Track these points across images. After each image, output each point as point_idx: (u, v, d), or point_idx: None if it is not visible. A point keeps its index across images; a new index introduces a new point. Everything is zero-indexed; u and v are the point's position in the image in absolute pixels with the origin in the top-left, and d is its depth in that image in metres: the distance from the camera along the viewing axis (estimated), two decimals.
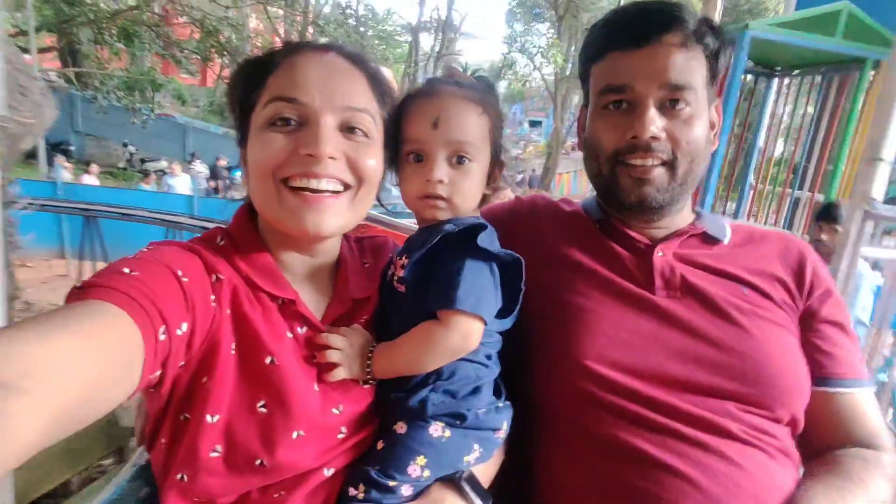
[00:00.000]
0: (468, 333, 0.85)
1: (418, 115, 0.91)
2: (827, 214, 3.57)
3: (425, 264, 0.89)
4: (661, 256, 1.01)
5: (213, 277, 0.80)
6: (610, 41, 0.99)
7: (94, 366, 0.58)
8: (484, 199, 0.99)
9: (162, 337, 0.67)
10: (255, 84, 0.85)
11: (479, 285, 0.85)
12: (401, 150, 0.93)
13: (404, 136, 0.92)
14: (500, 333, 0.95)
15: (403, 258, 0.91)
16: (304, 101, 0.81)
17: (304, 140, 0.80)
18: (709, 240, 1.06)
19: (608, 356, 0.93)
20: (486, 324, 0.86)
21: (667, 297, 0.98)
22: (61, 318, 0.59)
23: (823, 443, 0.97)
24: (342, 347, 0.86)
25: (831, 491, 0.87)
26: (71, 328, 0.58)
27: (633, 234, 1.05)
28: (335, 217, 0.83)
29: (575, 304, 0.99)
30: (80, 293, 0.65)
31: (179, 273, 0.74)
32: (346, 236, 1.01)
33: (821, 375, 0.97)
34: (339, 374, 0.85)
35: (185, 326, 0.72)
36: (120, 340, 0.62)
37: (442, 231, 0.87)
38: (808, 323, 1.00)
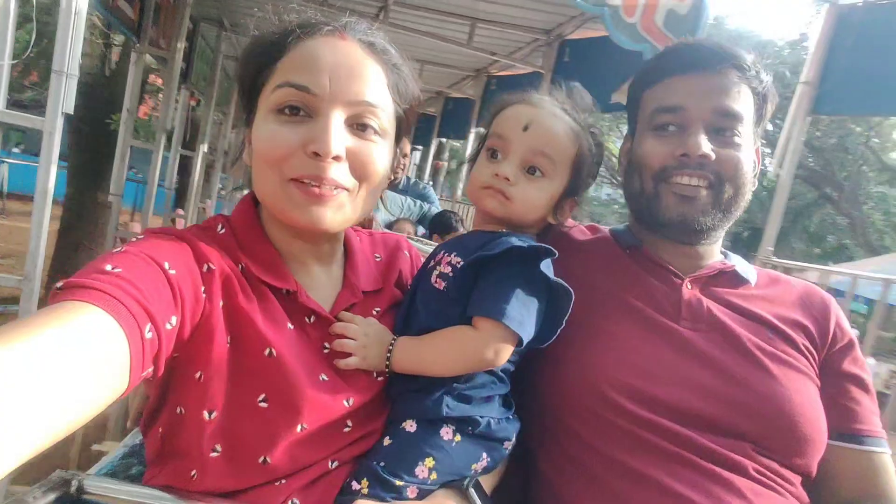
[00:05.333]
0: (502, 349, 0.84)
1: (512, 116, 0.93)
2: (441, 224, 3.30)
3: (476, 270, 0.87)
4: (690, 289, 1.01)
5: (204, 267, 0.77)
6: (668, 67, 1.02)
7: (70, 374, 0.56)
8: (547, 228, 0.99)
9: (149, 335, 0.65)
10: (265, 64, 0.81)
11: (528, 308, 0.84)
12: (484, 144, 0.96)
13: (492, 132, 0.95)
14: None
15: (453, 255, 0.90)
16: (315, 92, 0.77)
17: (312, 136, 0.76)
18: (737, 279, 1.05)
19: (628, 384, 0.92)
20: (520, 346, 0.85)
21: (692, 329, 0.96)
22: (35, 326, 0.56)
23: (838, 496, 0.96)
24: (357, 336, 0.85)
25: None
26: (44, 335, 0.55)
27: (664, 263, 1.04)
28: (337, 212, 0.80)
29: (597, 329, 0.98)
30: (61, 294, 0.62)
31: (166, 265, 0.71)
32: (356, 229, 0.99)
33: (841, 430, 0.96)
34: (352, 362, 0.83)
35: (174, 320, 0.70)
36: (101, 343, 0.60)
37: (508, 244, 0.86)
38: (830, 375, 0.99)
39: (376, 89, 0.81)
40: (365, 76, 0.80)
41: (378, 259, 0.99)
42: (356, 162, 0.79)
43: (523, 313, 0.83)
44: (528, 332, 0.84)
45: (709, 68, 0.98)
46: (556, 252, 0.88)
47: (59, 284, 0.64)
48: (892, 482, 0.96)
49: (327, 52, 0.79)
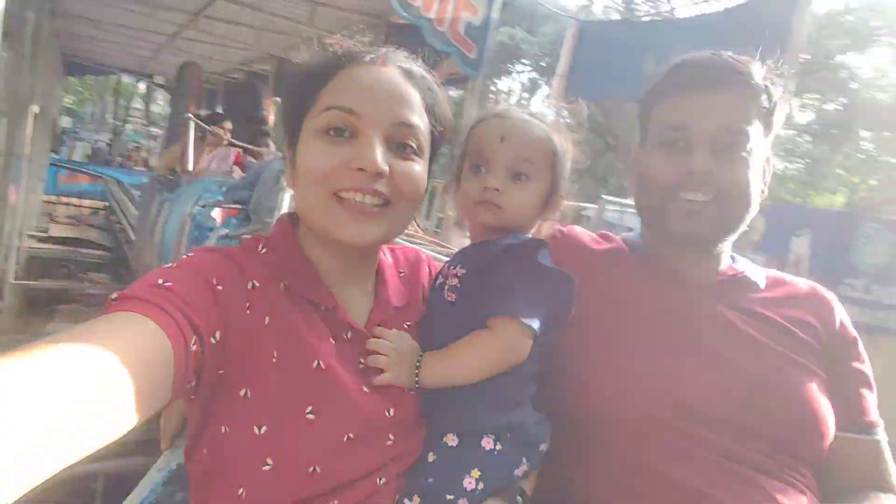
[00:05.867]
0: (519, 343, 0.87)
1: (487, 131, 0.95)
2: None
3: (479, 275, 0.91)
4: (705, 296, 1.05)
5: (250, 285, 0.80)
6: (677, 84, 1.05)
7: (115, 380, 0.57)
8: (539, 228, 1.01)
9: (193, 347, 0.68)
10: (312, 90, 0.86)
11: (535, 299, 0.88)
12: (464, 165, 0.98)
13: (470, 149, 0.97)
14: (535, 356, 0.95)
15: (457, 268, 0.94)
16: (359, 112, 0.82)
17: (356, 153, 0.81)
18: (747, 284, 1.08)
19: (655, 392, 0.96)
20: (536, 337, 0.88)
21: (711, 335, 1.00)
22: (85, 333, 0.59)
23: (841, 482, 1.01)
24: (389, 353, 0.88)
25: None
26: (91, 342, 0.57)
27: (679, 271, 1.07)
28: (376, 228, 0.84)
29: (621, 340, 1.02)
30: (114, 305, 0.66)
31: (214, 281, 0.75)
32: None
33: (847, 422, 1.01)
34: (385, 378, 0.87)
35: (218, 335, 0.72)
36: (147, 351, 0.62)
37: (503, 244, 0.90)
38: (836, 371, 1.04)
39: (414, 111, 0.86)
40: (404, 99, 0.86)
41: (402, 275, 1.03)
42: (396, 179, 0.84)
43: (531, 305, 0.87)
44: (539, 322, 0.87)
45: (716, 86, 1.01)
46: (548, 243, 0.93)
47: (113, 296, 0.68)
48: (891, 468, 1.03)
49: (370, 78, 0.85)
